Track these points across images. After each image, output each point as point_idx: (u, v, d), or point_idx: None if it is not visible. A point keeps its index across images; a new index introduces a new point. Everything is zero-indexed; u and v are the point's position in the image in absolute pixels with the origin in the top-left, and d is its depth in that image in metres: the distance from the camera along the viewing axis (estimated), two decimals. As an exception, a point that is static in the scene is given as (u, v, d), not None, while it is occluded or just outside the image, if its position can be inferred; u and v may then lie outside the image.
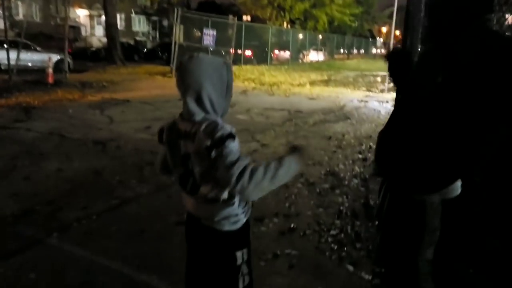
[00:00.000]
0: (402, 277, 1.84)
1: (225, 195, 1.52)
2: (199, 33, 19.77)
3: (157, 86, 12.59)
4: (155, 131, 6.63)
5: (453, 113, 1.56)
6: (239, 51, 24.06)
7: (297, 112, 9.02)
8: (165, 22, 39.27)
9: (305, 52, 32.62)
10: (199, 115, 1.48)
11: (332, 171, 4.87)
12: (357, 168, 5.05)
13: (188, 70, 1.48)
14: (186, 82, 1.48)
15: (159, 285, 2.54)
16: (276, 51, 29.44)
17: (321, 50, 35.40)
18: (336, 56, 39.47)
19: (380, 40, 62.46)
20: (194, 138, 1.46)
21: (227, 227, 1.57)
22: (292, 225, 3.38)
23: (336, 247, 3.06)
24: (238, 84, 14.18)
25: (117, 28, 20.07)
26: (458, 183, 1.70)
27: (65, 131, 6.27)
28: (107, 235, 3.12)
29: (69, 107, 8.33)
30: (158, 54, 28.81)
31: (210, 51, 19.08)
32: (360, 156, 5.63)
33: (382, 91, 14.81)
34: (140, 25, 40.68)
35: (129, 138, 6.04)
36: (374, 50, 54.33)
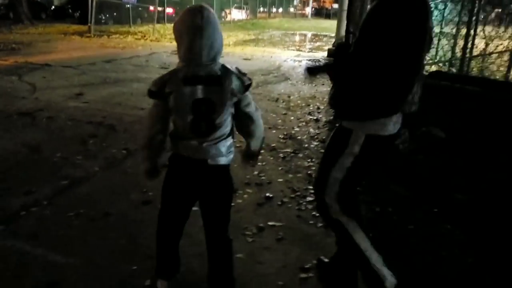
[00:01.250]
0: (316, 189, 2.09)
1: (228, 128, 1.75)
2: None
3: (77, 47, 11.43)
4: (88, 98, 6.07)
5: (364, 61, 1.76)
6: (160, 8, 22.74)
7: (236, 73, 8.72)
8: (73, -24, 35.49)
9: (227, 11, 31.74)
10: (215, 61, 1.65)
11: (289, 135, 4.76)
12: (312, 130, 5.00)
13: (208, 20, 1.59)
14: (207, 32, 1.59)
15: (142, 274, 2.26)
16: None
17: (243, 8, 34.65)
18: (258, 15, 38.93)
19: (297, -1, 62.67)
20: (221, 83, 1.64)
21: (228, 161, 1.80)
22: (267, 194, 3.22)
23: (317, 214, 2.98)
24: (166, 44, 13.40)
25: (20, -19, 17.71)
26: (382, 124, 1.83)
27: (-21, 102, 5.42)
28: (66, 223, 2.71)
29: (-23, 74, 7.23)
30: (68, 11, 26.34)
31: (130, 7, 17.77)
32: (311, 117, 5.58)
33: (311, 50, 14.95)
34: (43, -22, 36.40)
35: (60, 108, 5.37)
36: (292, 9, 54.27)
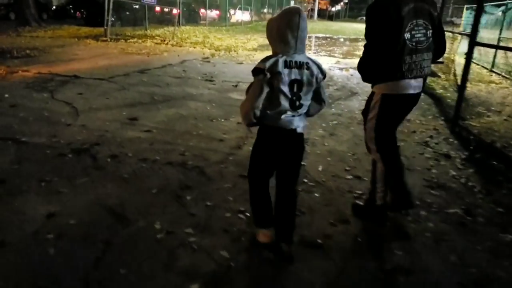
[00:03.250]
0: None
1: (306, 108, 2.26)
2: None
3: (98, 54, 10.23)
4: (147, 125, 4.76)
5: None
6: (165, 10, 21.71)
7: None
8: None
9: (232, 12, 30.71)
10: (304, 51, 2.14)
11: (436, 183, 3.62)
12: (452, 171, 3.87)
13: (303, 20, 2.06)
14: (305, 29, 2.08)
15: None
16: (203, 10, 27.15)
17: (247, 9, 33.53)
18: (262, 16, 37.84)
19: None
20: (308, 68, 2.10)
21: (305, 130, 2.28)
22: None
23: None
24: (190, 50, 12.24)
25: (24, -20, 16.38)
26: (392, 85, 2.53)
27: (17, 132, 4.22)
28: None
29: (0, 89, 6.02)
30: (70, 12, 25.31)
31: (146, 7, 16.67)
32: (432, 150, 4.46)
33: (344, 56, 13.85)
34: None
35: (119, 140, 4.20)
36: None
